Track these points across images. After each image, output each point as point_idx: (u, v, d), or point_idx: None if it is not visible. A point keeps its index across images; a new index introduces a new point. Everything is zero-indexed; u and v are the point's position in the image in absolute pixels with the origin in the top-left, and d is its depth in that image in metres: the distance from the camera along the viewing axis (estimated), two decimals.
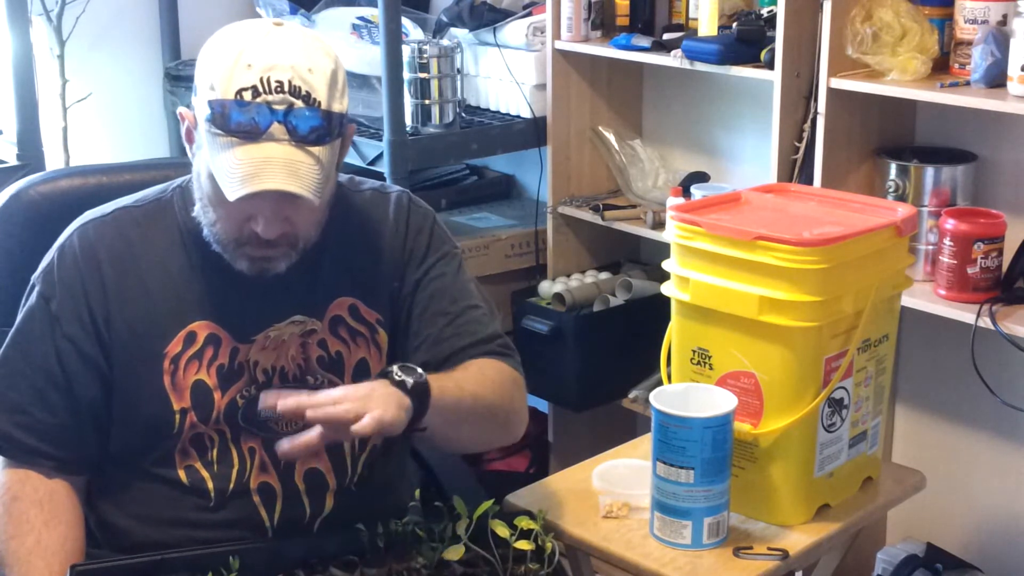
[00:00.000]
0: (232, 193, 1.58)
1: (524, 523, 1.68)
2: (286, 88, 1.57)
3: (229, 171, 1.58)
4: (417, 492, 1.83)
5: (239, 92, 1.56)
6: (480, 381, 1.76)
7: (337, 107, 1.62)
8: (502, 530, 1.66)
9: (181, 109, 1.73)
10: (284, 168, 1.57)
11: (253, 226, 1.65)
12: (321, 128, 1.60)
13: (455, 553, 1.64)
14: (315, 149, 1.59)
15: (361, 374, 1.79)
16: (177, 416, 1.72)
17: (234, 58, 1.58)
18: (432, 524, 1.69)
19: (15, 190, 1.93)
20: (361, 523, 1.68)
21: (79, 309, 1.71)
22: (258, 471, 1.74)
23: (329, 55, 1.64)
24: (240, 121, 1.57)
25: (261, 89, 1.56)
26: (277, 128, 1.57)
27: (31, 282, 1.75)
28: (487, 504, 1.68)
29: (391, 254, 1.83)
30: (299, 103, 1.57)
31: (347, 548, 1.67)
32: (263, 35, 1.62)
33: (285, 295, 1.76)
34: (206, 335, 1.73)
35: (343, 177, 1.86)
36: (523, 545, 1.66)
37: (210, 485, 1.74)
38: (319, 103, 1.59)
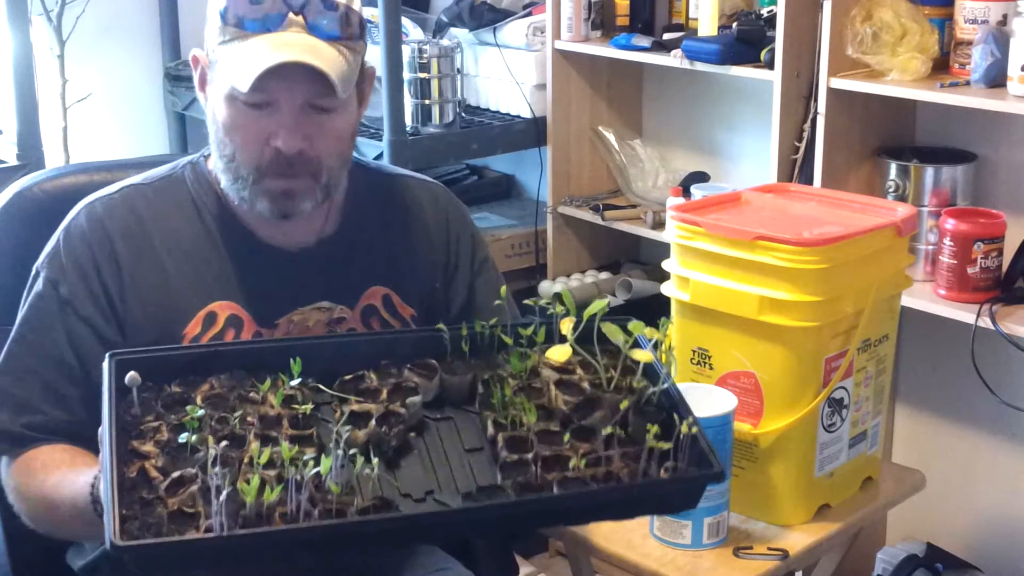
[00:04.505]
0: (249, 76, 1.49)
1: (641, 329, 1.48)
2: None
3: (245, 59, 1.50)
4: None
5: None
6: None
7: (356, 7, 1.57)
8: (616, 334, 1.45)
9: (194, 51, 1.64)
10: (304, 48, 1.51)
11: (273, 142, 1.55)
12: (340, 25, 1.54)
13: (561, 354, 1.45)
14: (336, 43, 1.54)
15: None
16: None
17: None
18: (519, 327, 1.55)
19: (19, 188, 1.90)
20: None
21: (92, 288, 1.60)
22: None
23: None
24: (255, 16, 1.51)
25: None
26: (293, 19, 1.52)
27: (34, 271, 1.64)
28: (601, 304, 1.48)
29: (432, 253, 1.76)
30: None
31: (426, 350, 1.54)
32: None
33: (314, 277, 1.67)
34: (227, 316, 1.62)
35: (372, 163, 1.81)
36: (641, 356, 1.45)
37: None
38: (336, 2, 1.54)
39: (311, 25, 1.53)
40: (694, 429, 1.36)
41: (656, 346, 1.49)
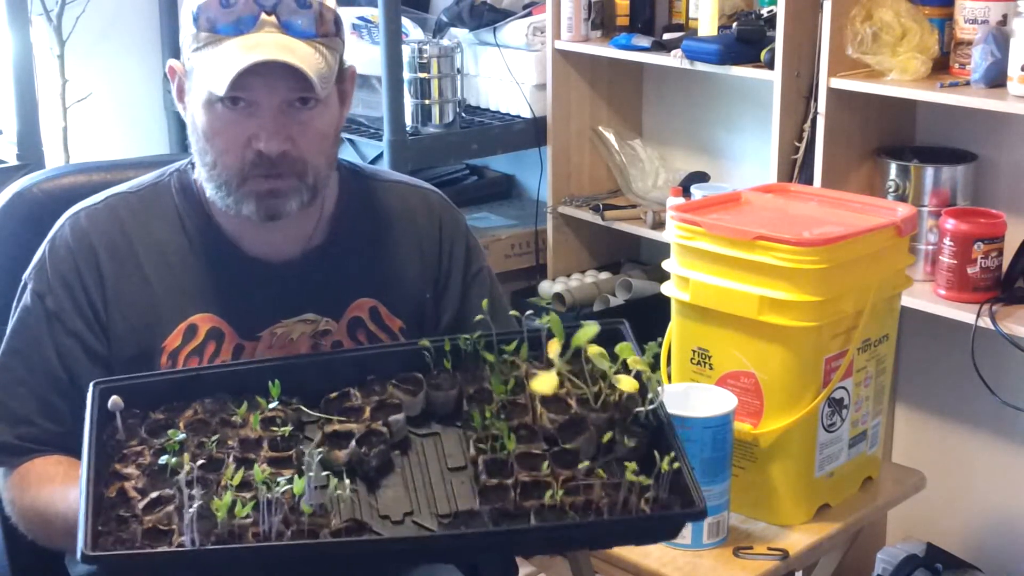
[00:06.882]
0: (224, 78, 1.47)
1: (630, 358, 1.42)
2: None
3: (220, 64, 1.48)
4: None
5: None
6: None
7: (330, 4, 1.55)
8: (601, 360, 1.40)
9: (170, 62, 1.63)
10: (278, 46, 1.49)
11: (256, 145, 1.52)
12: (315, 23, 1.51)
13: (547, 385, 1.39)
14: (312, 41, 1.51)
15: None
16: None
17: None
18: (501, 342, 1.49)
19: (19, 188, 1.90)
20: None
21: (78, 301, 1.59)
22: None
23: None
24: (227, 20, 1.50)
25: None
26: (266, 19, 1.50)
27: (23, 281, 1.63)
28: (592, 331, 1.43)
29: (423, 263, 1.72)
30: None
31: (412, 364, 1.51)
32: None
33: (299, 288, 1.64)
34: (208, 329, 1.61)
35: (368, 168, 1.78)
36: (627, 385, 1.39)
37: None
38: (309, 0, 1.51)
39: (284, 24, 1.51)
40: (676, 465, 1.31)
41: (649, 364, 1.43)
